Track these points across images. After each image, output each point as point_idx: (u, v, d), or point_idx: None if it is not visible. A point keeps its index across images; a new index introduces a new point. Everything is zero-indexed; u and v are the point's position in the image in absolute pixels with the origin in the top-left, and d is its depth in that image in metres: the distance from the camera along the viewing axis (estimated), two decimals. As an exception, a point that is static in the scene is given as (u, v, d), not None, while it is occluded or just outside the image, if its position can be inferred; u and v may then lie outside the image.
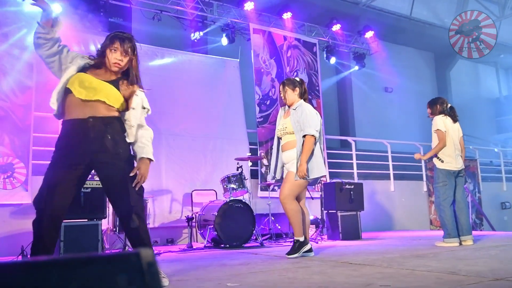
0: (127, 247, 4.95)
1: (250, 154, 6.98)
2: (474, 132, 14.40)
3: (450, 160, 4.75)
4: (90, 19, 6.60)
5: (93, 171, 2.59)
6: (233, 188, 5.63)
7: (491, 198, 10.49)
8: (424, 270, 2.78)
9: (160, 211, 6.45)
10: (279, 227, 6.34)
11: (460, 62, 14.44)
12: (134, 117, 2.56)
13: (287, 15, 8.69)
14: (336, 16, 9.68)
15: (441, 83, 14.20)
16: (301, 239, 3.87)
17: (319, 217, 6.74)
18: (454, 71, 14.44)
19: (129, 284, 0.66)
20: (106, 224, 5.28)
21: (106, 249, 5.14)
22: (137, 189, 2.51)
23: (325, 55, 9.50)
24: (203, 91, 7.44)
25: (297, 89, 4.12)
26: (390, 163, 8.87)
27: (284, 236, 6.36)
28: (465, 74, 15.29)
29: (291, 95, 4.11)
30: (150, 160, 2.59)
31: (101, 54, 2.58)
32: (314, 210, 7.20)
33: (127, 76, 2.62)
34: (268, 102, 8.09)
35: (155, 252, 4.95)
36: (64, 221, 4.54)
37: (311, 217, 6.72)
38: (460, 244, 4.57)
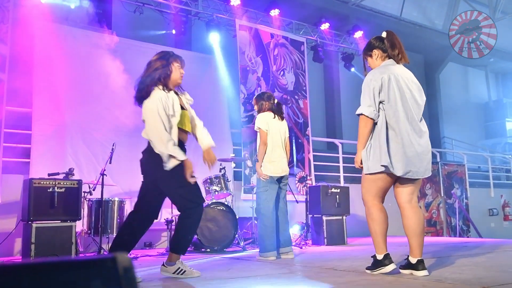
0: (102, 251, 4.89)
1: (233, 155, 6.97)
2: (463, 137, 14.66)
3: (273, 163, 4.32)
4: (72, 11, 6.54)
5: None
6: (215, 190, 5.61)
7: (478, 204, 10.68)
8: (410, 277, 2.81)
9: (138, 213, 6.38)
10: (262, 231, 6.34)
11: (449, 65, 14.67)
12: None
13: (274, 12, 8.71)
14: (325, 15, 9.74)
15: (431, 86, 14.40)
16: (378, 256, 2.98)
17: (304, 222, 6.77)
18: (443, 74, 14.65)
19: (104, 290, 0.65)
20: (80, 226, 5.21)
21: (80, 252, 5.07)
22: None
23: (312, 55, 9.56)
24: (186, 88, 7.32)
25: (375, 51, 3.16)
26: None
27: (267, 241, 6.36)
28: (455, 78, 15.54)
29: (371, 63, 3.20)
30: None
31: (168, 68, 3.29)
32: (299, 214, 7.23)
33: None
34: (253, 102, 8.09)
35: (132, 256, 4.91)
36: (35, 222, 4.49)
37: (292, 228, 6.69)
38: (279, 257, 4.28)
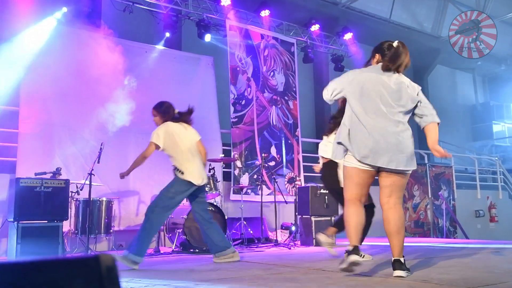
0: (89, 251, 4.84)
1: (223, 155, 6.96)
2: (450, 139, 14.80)
3: (191, 174, 4.09)
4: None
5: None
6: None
7: (465, 206, 10.78)
8: (397, 278, 2.82)
9: (126, 213, 6.34)
10: (251, 232, 6.33)
11: (438, 68, 14.81)
12: None
13: (265, 13, 8.71)
14: (315, 16, 9.77)
15: (419, 88, 14.52)
16: (349, 247, 2.92)
17: (293, 222, 6.78)
18: (432, 77, 14.79)
19: (87, 290, 0.64)
20: (67, 226, 5.15)
21: (67, 252, 5.02)
22: None
23: (302, 56, 9.58)
24: (176, 88, 7.37)
25: (377, 54, 3.36)
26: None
27: (256, 241, 6.36)
28: (443, 80, 15.69)
29: (372, 62, 3.42)
30: None
31: None
32: (288, 214, 7.23)
33: None
34: (243, 102, 8.08)
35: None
36: (21, 221, 4.43)
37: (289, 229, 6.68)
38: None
